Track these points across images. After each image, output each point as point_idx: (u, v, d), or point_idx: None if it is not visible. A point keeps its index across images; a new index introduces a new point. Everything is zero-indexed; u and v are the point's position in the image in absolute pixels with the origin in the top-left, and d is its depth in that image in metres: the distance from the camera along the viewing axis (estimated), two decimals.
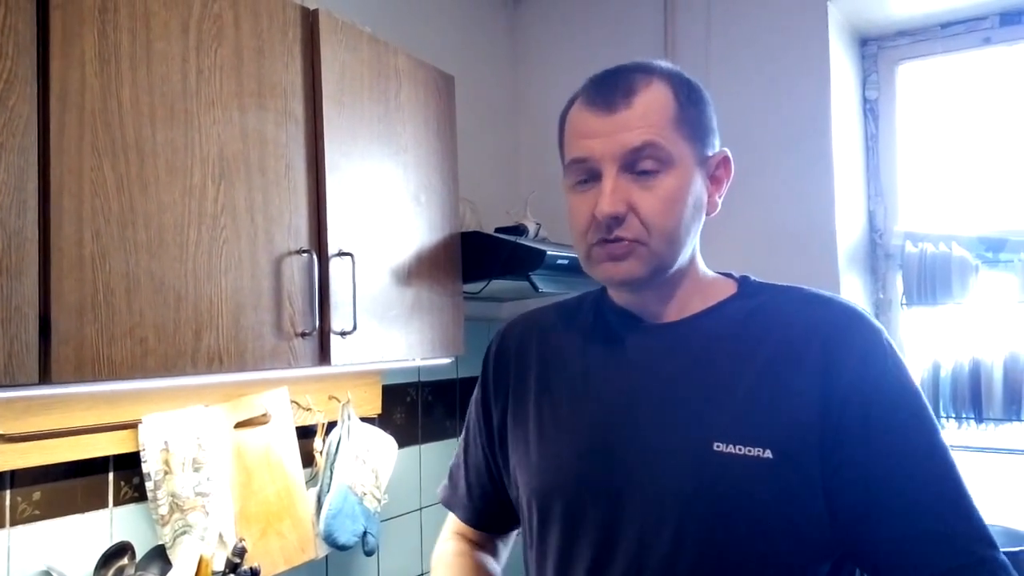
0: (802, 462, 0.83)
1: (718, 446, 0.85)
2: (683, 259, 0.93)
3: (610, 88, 0.90)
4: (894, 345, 0.89)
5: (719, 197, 0.96)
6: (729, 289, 0.97)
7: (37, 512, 1.30)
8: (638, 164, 0.88)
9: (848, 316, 0.90)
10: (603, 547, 0.91)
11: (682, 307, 0.96)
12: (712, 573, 0.85)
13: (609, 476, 0.91)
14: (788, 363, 0.87)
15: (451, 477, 1.19)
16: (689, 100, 0.91)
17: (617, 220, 0.87)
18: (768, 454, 0.83)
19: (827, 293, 0.94)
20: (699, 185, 0.92)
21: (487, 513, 1.13)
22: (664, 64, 0.94)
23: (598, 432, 0.94)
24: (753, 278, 0.99)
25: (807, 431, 0.84)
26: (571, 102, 0.96)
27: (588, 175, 0.90)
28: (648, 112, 0.88)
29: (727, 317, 0.94)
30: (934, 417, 0.87)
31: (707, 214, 0.94)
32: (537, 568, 1.00)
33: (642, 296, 0.96)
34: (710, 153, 0.94)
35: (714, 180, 0.95)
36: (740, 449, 0.84)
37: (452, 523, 1.18)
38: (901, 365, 0.88)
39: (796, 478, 0.83)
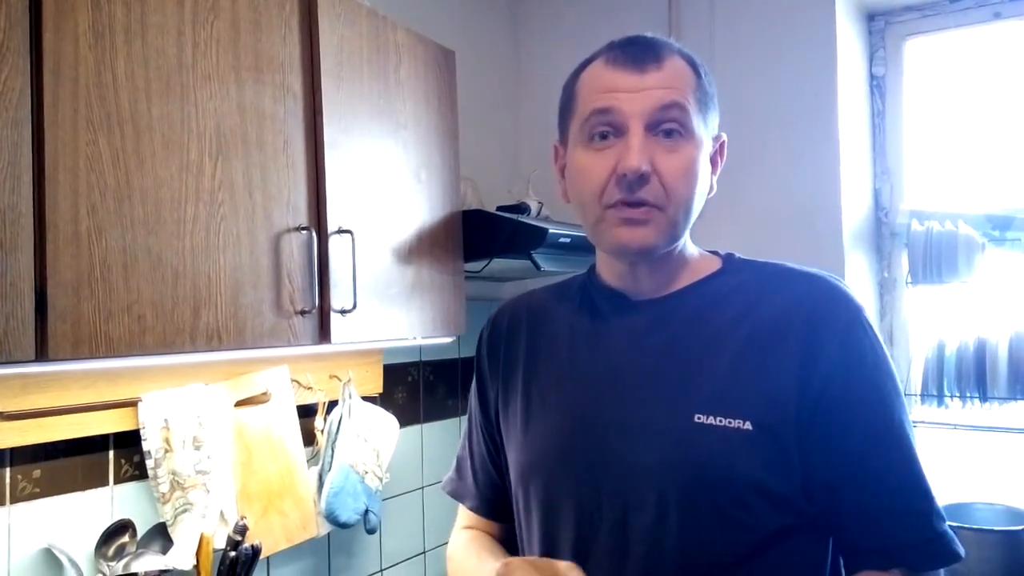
0: (780, 434, 0.85)
1: (699, 418, 0.87)
2: (686, 234, 0.94)
3: (639, 50, 0.90)
4: (872, 323, 0.90)
5: (715, 179, 0.97)
6: (714, 265, 0.98)
7: (37, 490, 1.30)
8: (663, 125, 0.87)
9: (831, 293, 0.91)
10: (587, 522, 0.92)
11: (669, 283, 0.96)
12: (695, 543, 0.86)
13: (591, 452, 0.92)
14: (771, 337, 0.88)
15: (458, 467, 1.18)
16: (705, 79, 0.93)
17: (642, 179, 0.86)
18: (748, 426, 0.85)
19: (810, 269, 0.95)
20: (707, 162, 0.93)
21: (496, 501, 1.11)
22: (678, 44, 0.94)
23: (582, 410, 0.95)
24: (738, 255, 1.00)
25: (786, 404, 0.85)
26: (585, 64, 0.95)
27: (609, 129, 0.88)
28: (676, 77, 0.89)
29: (711, 292, 0.94)
30: (903, 395, 0.90)
31: (707, 195, 0.95)
32: (527, 547, 1.00)
33: (636, 271, 0.95)
34: (715, 134, 0.95)
35: (712, 162, 0.96)
36: (720, 420, 0.86)
37: (463, 517, 1.18)
38: (878, 343, 0.90)
39: (774, 449, 0.85)
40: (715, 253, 1.01)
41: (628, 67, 0.88)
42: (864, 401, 0.87)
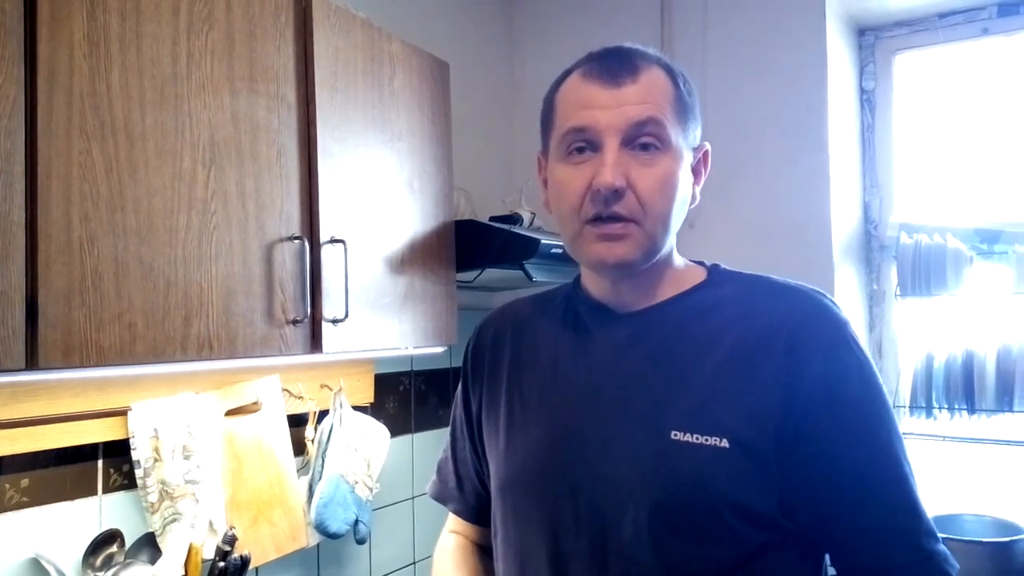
0: (759, 452, 0.84)
1: (675, 434, 0.86)
2: (668, 247, 0.94)
3: (615, 63, 0.89)
4: (858, 337, 0.89)
5: (698, 189, 0.97)
6: (699, 277, 0.97)
7: (25, 499, 1.29)
8: (639, 140, 0.87)
9: (814, 308, 0.90)
10: (565, 538, 0.91)
11: (653, 295, 0.95)
12: (673, 560, 0.85)
13: (570, 466, 0.92)
14: (752, 353, 0.87)
15: (440, 472, 1.18)
16: (684, 88, 0.92)
17: (617, 194, 0.86)
18: (725, 443, 0.84)
19: (795, 283, 0.94)
20: (687, 173, 0.92)
21: (480, 508, 1.11)
22: (657, 52, 0.94)
23: (561, 422, 0.94)
24: (723, 266, 0.99)
25: (767, 422, 0.84)
26: (564, 77, 0.95)
27: (585, 144, 0.88)
28: (652, 90, 0.88)
29: (693, 305, 0.93)
30: (893, 411, 0.89)
31: (688, 205, 0.95)
32: (503, 559, 0.99)
33: (619, 285, 0.95)
34: (696, 144, 0.95)
35: (695, 172, 0.95)
36: (697, 438, 0.85)
37: (451, 522, 1.18)
38: (864, 358, 0.88)
39: (752, 467, 0.84)
40: (701, 264, 1.00)
41: (604, 81, 0.88)
42: (849, 418, 0.85)
